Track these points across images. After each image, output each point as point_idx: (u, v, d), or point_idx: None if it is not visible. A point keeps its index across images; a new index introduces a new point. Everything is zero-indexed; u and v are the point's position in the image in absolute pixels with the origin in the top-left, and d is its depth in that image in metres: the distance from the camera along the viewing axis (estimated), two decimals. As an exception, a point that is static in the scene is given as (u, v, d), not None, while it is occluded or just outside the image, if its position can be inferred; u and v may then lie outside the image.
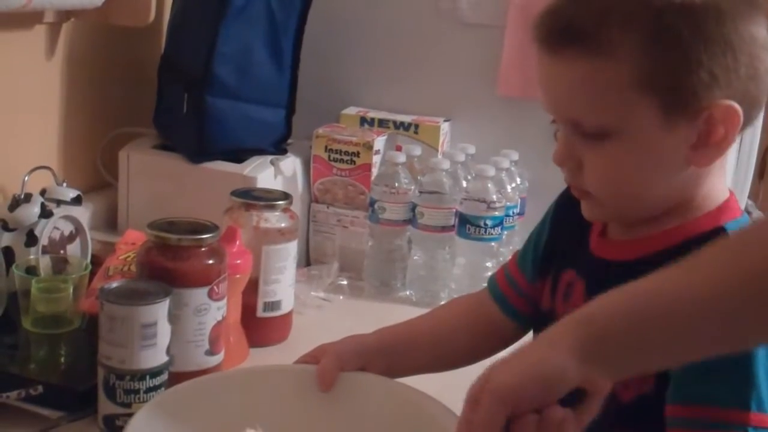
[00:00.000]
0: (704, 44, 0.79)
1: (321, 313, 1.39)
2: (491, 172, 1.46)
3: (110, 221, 1.54)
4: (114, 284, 1.02)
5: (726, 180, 1.16)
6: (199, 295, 1.03)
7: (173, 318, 0.99)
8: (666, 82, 0.80)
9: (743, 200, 2.07)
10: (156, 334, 0.97)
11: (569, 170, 0.87)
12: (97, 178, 1.58)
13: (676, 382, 0.80)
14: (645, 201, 0.86)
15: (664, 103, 0.80)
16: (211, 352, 1.06)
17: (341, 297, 1.45)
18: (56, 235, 1.26)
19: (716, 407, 0.78)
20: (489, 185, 1.45)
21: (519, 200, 1.57)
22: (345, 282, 1.49)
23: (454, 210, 1.47)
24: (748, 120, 0.82)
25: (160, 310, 0.97)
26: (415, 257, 1.50)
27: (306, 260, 1.58)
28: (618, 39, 0.79)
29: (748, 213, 3.35)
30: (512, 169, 1.57)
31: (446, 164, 1.49)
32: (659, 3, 0.79)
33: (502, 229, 1.48)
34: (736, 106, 0.80)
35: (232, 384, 0.94)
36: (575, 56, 0.82)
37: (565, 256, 0.95)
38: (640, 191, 0.86)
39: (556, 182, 1.03)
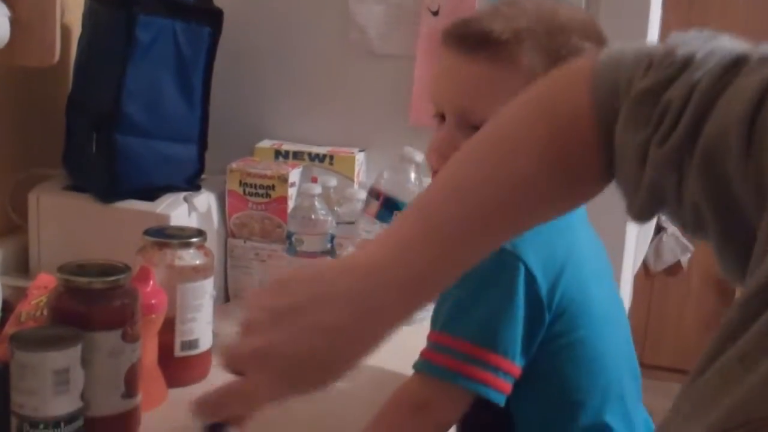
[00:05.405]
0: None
1: (241, 349, 1.38)
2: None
3: (22, 265, 1.51)
4: (24, 331, 1.01)
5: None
6: (112, 337, 1.01)
7: (86, 362, 0.98)
8: None
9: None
10: (69, 380, 0.95)
11: (445, 158, 0.96)
12: (7, 221, 1.55)
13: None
14: None
15: None
16: (127, 395, 1.05)
17: (261, 332, 1.44)
18: (-36, 282, 1.23)
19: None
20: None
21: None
22: (265, 316, 1.48)
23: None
24: None
25: (72, 355, 0.96)
26: (334, 288, 1.49)
27: (225, 296, 1.57)
28: (525, 54, 1.00)
29: (663, 228, 3.45)
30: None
31: (362, 194, 1.50)
32: (557, 32, 1.01)
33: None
34: None
35: None
36: (486, 59, 1.00)
37: None
38: None
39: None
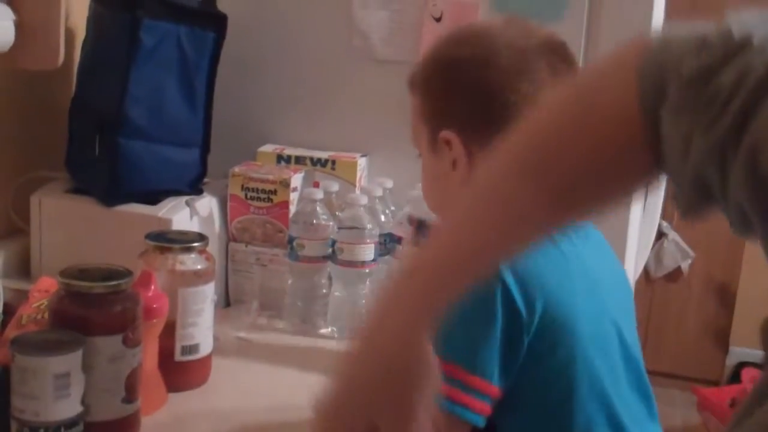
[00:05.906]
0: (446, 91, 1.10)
1: (242, 354, 1.38)
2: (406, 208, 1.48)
3: (23, 268, 1.51)
4: (25, 335, 1.01)
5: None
6: (113, 342, 1.02)
7: (87, 367, 0.98)
8: (428, 116, 1.13)
9: (656, 221, 2.11)
10: (69, 385, 0.95)
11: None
12: (9, 224, 1.55)
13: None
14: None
15: (428, 132, 1.12)
16: (127, 400, 1.05)
17: (262, 336, 1.45)
18: (-34, 285, 1.24)
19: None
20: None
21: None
22: (266, 321, 1.48)
23: (374, 244, 1.47)
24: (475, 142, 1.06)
25: (73, 359, 0.96)
26: (336, 293, 1.50)
27: (226, 301, 1.57)
28: (420, 86, 1.15)
29: (664, 234, 3.44)
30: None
31: (364, 199, 1.50)
32: (433, 65, 1.14)
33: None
34: (451, 134, 1.08)
35: None
36: (414, 92, 1.16)
37: None
38: (438, 206, 1.15)
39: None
